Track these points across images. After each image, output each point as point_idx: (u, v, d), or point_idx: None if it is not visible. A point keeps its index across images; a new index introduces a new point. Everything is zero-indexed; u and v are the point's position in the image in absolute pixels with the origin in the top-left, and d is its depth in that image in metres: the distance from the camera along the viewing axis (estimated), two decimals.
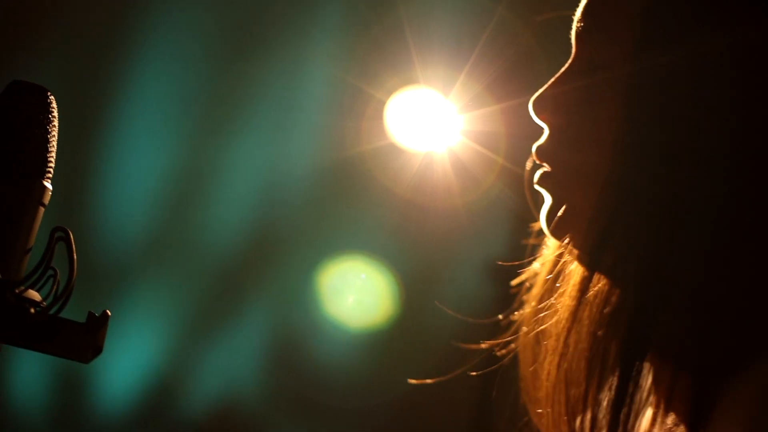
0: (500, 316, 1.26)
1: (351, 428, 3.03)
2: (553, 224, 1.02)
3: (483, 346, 1.23)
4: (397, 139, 2.82)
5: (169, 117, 2.91)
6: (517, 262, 1.29)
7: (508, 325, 1.24)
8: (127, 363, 2.89)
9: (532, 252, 1.27)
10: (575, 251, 1.02)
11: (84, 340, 0.80)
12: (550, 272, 1.15)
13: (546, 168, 1.03)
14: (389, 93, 2.81)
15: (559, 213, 1.01)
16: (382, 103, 2.80)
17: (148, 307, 2.91)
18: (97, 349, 0.81)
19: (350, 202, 3.00)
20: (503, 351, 1.21)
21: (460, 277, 3.04)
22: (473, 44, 2.83)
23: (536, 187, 1.04)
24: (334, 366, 3.03)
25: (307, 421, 3.02)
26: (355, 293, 3.05)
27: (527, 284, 1.22)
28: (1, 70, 2.58)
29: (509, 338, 1.22)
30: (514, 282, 1.25)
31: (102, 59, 2.81)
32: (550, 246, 1.16)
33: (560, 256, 1.12)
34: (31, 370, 2.83)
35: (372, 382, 3.01)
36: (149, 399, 2.92)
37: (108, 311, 0.82)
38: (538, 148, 1.03)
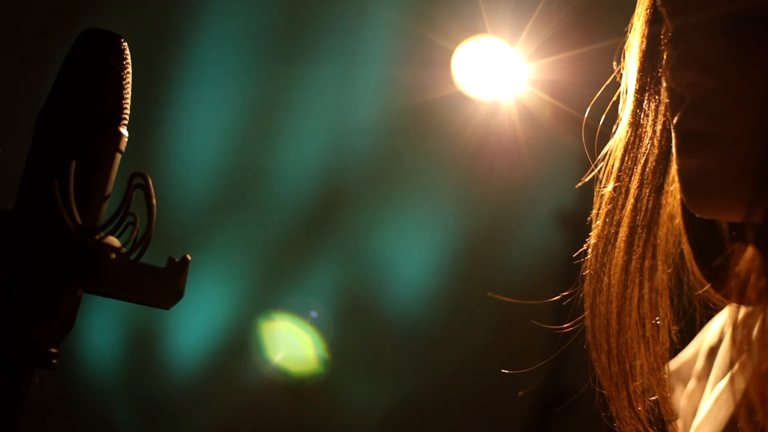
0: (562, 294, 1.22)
1: (417, 383, 3.04)
2: (706, 193, 0.93)
3: (559, 327, 1.20)
4: (464, 88, 2.81)
5: (233, 73, 2.91)
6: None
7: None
8: (198, 317, 2.92)
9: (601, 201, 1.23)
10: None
11: (165, 285, 0.81)
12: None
13: (700, 128, 0.92)
14: (456, 42, 2.80)
15: (712, 180, 0.92)
16: (450, 52, 2.79)
17: (218, 262, 2.93)
18: (178, 294, 0.82)
19: (417, 151, 3.00)
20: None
21: (527, 225, 3.03)
22: None
23: (683, 157, 0.94)
24: (404, 317, 3.03)
25: (376, 377, 3.04)
26: (422, 245, 3.05)
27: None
28: (75, 20, 2.60)
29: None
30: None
31: (173, 6, 2.82)
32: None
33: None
34: (105, 326, 2.86)
35: (442, 334, 3.01)
36: (218, 356, 2.95)
37: (188, 256, 0.82)
38: (683, 115, 0.93)
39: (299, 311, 3.01)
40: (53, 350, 0.86)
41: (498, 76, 2.77)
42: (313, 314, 3.02)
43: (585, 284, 1.08)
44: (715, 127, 0.91)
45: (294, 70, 2.94)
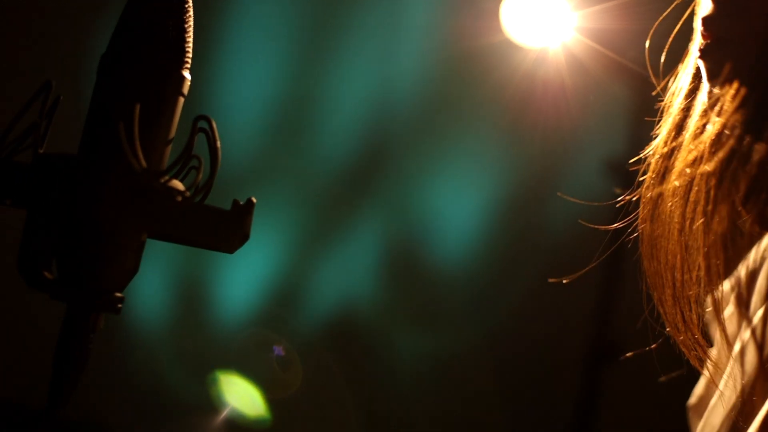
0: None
1: (465, 336, 3.03)
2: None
3: (611, 227, 1.21)
4: (512, 36, 2.79)
5: (280, 22, 2.90)
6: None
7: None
8: (245, 276, 2.93)
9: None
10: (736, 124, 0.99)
11: (231, 227, 0.80)
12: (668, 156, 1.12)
13: (711, 39, 1.00)
14: None
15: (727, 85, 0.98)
16: (498, 0, 2.77)
17: (265, 220, 2.93)
18: (243, 237, 0.81)
19: (464, 100, 2.98)
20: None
21: (575, 174, 3.01)
22: None
23: (699, 61, 1.02)
24: (451, 267, 3.03)
25: (423, 329, 3.04)
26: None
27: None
28: None
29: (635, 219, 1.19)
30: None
31: None
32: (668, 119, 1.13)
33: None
34: (154, 284, 2.88)
35: (490, 285, 3.01)
36: (267, 309, 2.96)
37: (253, 198, 0.82)
38: (705, 19, 1.01)
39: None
40: (118, 295, 0.86)
41: (546, 24, 2.74)
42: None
43: (643, 189, 1.11)
44: (727, 31, 0.99)
45: (341, 17, 2.92)
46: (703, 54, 1.01)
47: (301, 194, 2.99)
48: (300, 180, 2.99)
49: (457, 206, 3.04)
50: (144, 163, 0.80)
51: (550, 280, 1.37)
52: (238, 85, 2.92)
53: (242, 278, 2.95)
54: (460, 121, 3.02)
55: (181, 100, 0.86)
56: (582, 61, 2.76)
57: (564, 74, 2.79)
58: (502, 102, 2.90)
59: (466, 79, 2.96)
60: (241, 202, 0.82)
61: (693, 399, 1.11)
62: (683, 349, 1.09)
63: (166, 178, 0.82)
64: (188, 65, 0.87)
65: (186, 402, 2.94)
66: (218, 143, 0.82)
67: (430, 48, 2.94)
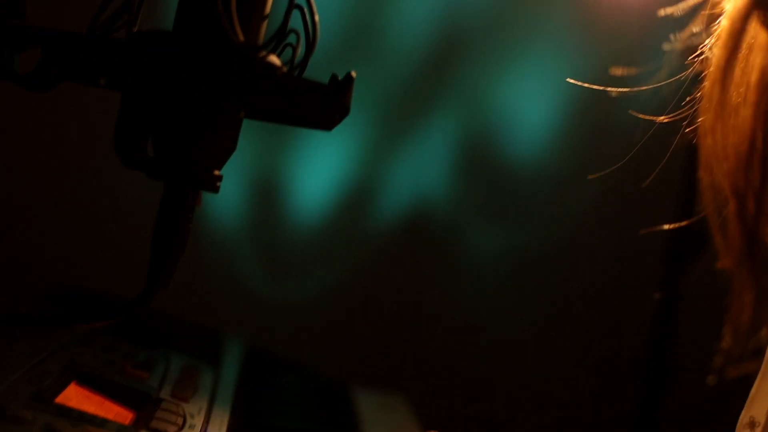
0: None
1: (543, 231, 3.01)
2: None
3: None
4: None
5: None
6: None
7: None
8: (319, 171, 2.92)
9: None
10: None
11: (332, 100, 0.78)
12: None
13: None
14: None
15: None
16: None
17: None
18: (344, 110, 0.79)
19: None
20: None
21: (655, 60, 2.95)
22: None
23: None
24: (526, 164, 3.01)
25: (498, 224, 3.02)
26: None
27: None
28: None
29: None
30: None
31: None
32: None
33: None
34: (227, 182, 2.88)
35: (566, 181, 2.98)
36: (342, 207, 2.96)
37: (353, 72, 0.80)
38: None
39: None
40: (217, 173, 0.86)
41: None
42: None
43: None
44: None
45: None
46: None
47: (374, 90, 2.97)
48: (372, 75, 2.97)
49: (532, 98, 3.00)
50: (242, 37, 0.79)
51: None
52: None
53: (315, 176, 2.95)
54: (534, 10, 2.96)
55: None
56: None
57: None
58: None
59: None
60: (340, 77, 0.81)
61: None
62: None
63: (264, 53, 0.80)
64: None
65: (258, 300, 2.97)
66: (316, 17, 0.80)
67: None
